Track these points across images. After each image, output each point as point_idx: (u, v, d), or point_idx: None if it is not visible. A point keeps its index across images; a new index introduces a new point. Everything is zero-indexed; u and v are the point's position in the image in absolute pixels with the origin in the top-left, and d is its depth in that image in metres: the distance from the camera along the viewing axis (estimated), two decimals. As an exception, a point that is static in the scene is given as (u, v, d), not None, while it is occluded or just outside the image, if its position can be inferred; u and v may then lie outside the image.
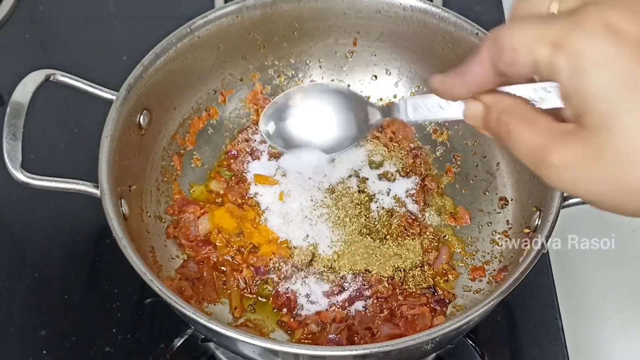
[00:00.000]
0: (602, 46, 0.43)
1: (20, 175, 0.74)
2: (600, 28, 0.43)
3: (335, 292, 0.82)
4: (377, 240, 0.86)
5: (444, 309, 0.82)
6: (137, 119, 0.84)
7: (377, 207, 0.89)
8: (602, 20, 0.43)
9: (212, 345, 0.84)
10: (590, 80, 0.43)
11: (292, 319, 0.82)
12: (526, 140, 0.47)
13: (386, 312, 0.81)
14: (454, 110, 0.57)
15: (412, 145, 0.96)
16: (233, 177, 0.93)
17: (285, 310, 0.82)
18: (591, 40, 0.43)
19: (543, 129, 0.47)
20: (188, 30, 0.87)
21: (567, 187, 0.46)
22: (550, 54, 0.45)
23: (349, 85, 1.00)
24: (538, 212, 0.80)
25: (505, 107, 0.50)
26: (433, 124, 0.98)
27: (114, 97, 0.81)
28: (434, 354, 0.82)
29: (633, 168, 0.42)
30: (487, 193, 0.92)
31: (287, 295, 0.82)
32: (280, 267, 0.85)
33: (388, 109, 0.71)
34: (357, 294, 0.82)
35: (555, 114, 0.48)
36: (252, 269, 0.84)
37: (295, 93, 0.79)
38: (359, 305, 0.82)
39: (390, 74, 0.99)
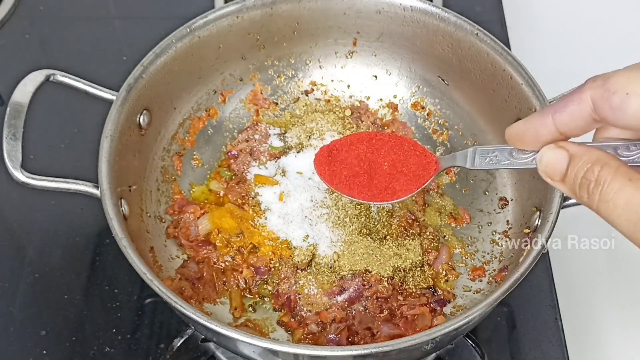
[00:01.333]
0: None
1: (20, 175, 0.74)
2: None
3: (335, 292, 0.82)
4: (377, 240, 0.86)
5: (444, 309, 0.82)
6: (137, 119, 0.84)
7: (377, 207, 0.89)
8: None
9: (212, 345, 0.84)
10: None
11: (292, 319, 0.82)
12: (628, 199, 0.43)
13: (386, 312, 0.81)
14: (525, 160, 0.54)
15: (412, 145, 0.96)
16: (233, 177, 0.93)
17: (285, 310, 0.82)
18: None
19: None
20: (188, 30, 0.87)
21: None
22: None
23: (349, 86, 1.00)
24: (538, 212, 0.80)
25: (598, 158, 0.46)
26: (433, 124, 0.98)
27: (114, 97, 0.81)
28: (434, 354, 0.82)
29: None
30: (487, 193, 0.92)
31: (287, 295, 0.82)
32: (280, 267, 0.85)
33: (451, 157, 0.68)
34: (357, 294, 0.82)
35: None
36: (252, 269, 0.84)
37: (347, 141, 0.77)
38: (359, 305, 0.82)
39: (390, 74, 0.99)
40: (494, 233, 0.88)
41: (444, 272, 0.85)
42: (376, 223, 0.87)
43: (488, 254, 0.87)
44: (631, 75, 0.45)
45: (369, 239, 0.86)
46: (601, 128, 0.51)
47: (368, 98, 1.00)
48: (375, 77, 0.99)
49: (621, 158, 0.48)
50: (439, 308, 0.82)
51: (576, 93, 0.47)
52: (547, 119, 0.50)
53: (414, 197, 0.90)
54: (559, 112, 0.49)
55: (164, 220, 0.88)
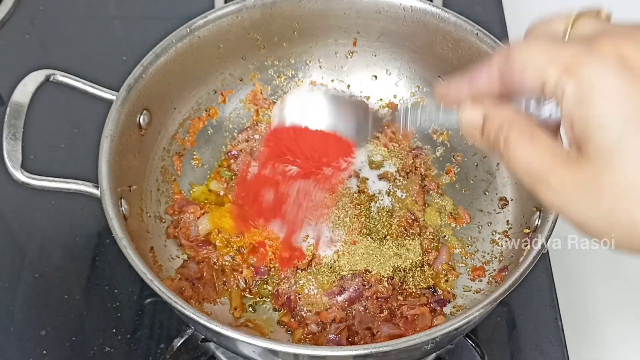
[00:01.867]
0: (611, 77, 0.43)
1: (20, 175, 0.74)
2: (613, 59, 0.43)
3: (335, 292, 0.82)
4: (377, 240, 0.86)
5: (444, 309, 0.82)
6: (137, 119, 0.84)
7: (377, 207, 0.89)
8: (617, 52, 0.43)
9: (212, 345, 0.84)
10: (595, 110, 0.43)
11: (292, 319, 0.82)
12: (526, 156, 0.47)
13: (386, 312, 0.81)
14: (447, 118, 0.57)
15: (412, 145, 0.96)
16: (233, 177, 0.93)
17: (285, 310, 0.82)
18: (602, 70, 0.43)
19: (545, 148, 0.46)
20: (188, 30, 0.87)
21: (559, 209, 0.46)
22: (558, 76, 0.44)
23: (349, 86, 1.00)
24: (538, 212, 0.80)
25: (506, 117, 0.49)
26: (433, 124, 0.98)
27: (114, 97, 0.81)
28: (434, 354, 0.82)
29: (625, 204, 0.43)
30: (487, 193, 0.92)
31: (287, 295, 0.82)
32: (279, 267, 0.85)
33: (388, 116, 0.69)
34: (357, 294, 0.82)
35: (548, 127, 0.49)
36: (252, 269, 0.84)
37: (294, 97, 0.77)
38: (359, 305, 0.82)
39: (390, 74, 0.99)
40: (494, 233, 0.88)
41: (444, 272, 0.85)
42: (376, 223, 0.87)
43: (488, 254, 0.87)
44: (528, 48, 0.47)
45: (369, 239, 0.86)
46: None
47: (368, 98, 1.00)
48: (375, 77, 0.99)
49: (533, 115, 0.51)
50: (439, 308, 0.82)
51: (487, 64, 0.50)
52: (464, 83, 0.53)
53: (414, 197, 0.90)
54: (473, 79, 0.52)
55: (164, 220, 0.88)
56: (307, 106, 0.73)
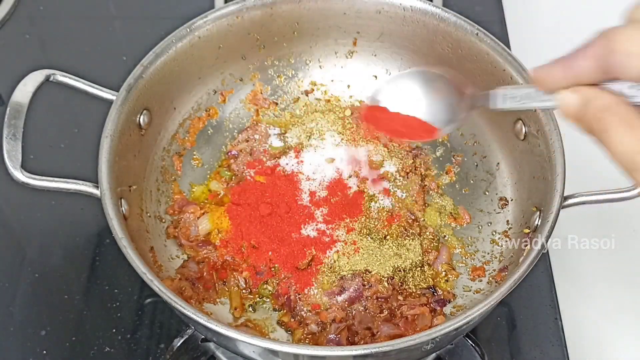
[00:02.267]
0: None
1: (20, 175, 0.74)
2: None
3: (335, 292, 0.82)
4: (377, 240, 0.86)
5: (444, 309, 0.82)
6: (137, 119, 0.84)
7: (377, 207, 0.89)
8: None
9: (212, 345, 0.84)
10: None
11: (292, 319, 0.82)
12: (624, 143, 0.48)
13: (386, 312, 0.81)
14: (543, 100, 0.57)
15: (412, 145, 0.96)
16: (233, 177, 0.93)
17: (285, 310, 0.82)
18: None
19: None
20: (188, 30, 0.88)
21: None
22: None
23: (349, 86, 1.00)
24: (538, 212, 0.80)
25: (605, 104, 0.50)
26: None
27: (114, 97, 0.81)
28: (434, 354, 0.82)
29: None
30: (487, 193, 0.92)
31: (287, 295, 0.82)
32: (280, 268, 0.84)
33: (478, 99, 0.69)
34: (357, 294, 0.82)
35: None
36: (252, 268, 0.84)
37: (390, 80, 0.77)
38: (359, 305, 0.82)
39: (390, 74, 0.99)
40: (494, 233, 0.88)
41: (444, 272, 0.85)
42: (376, 223, 0.87)
43: (488, 254, 0.87)
44: (632, 35, 0.48)
45: (369, 239, 0.86)
46: None
47: (369, 98, 1.00)
48: (375, 77, 0.99)
49: (633, 98, 0.51)
50: (439, 308, 0.82)
51: (585, 50, 0.51)
52: (561, 68, 0.53)
53: (414, 197, 0.90)
54: (571, 65, 0.52)
55: (164, 220, 0.88)
56: (399, 89, 0.74)
